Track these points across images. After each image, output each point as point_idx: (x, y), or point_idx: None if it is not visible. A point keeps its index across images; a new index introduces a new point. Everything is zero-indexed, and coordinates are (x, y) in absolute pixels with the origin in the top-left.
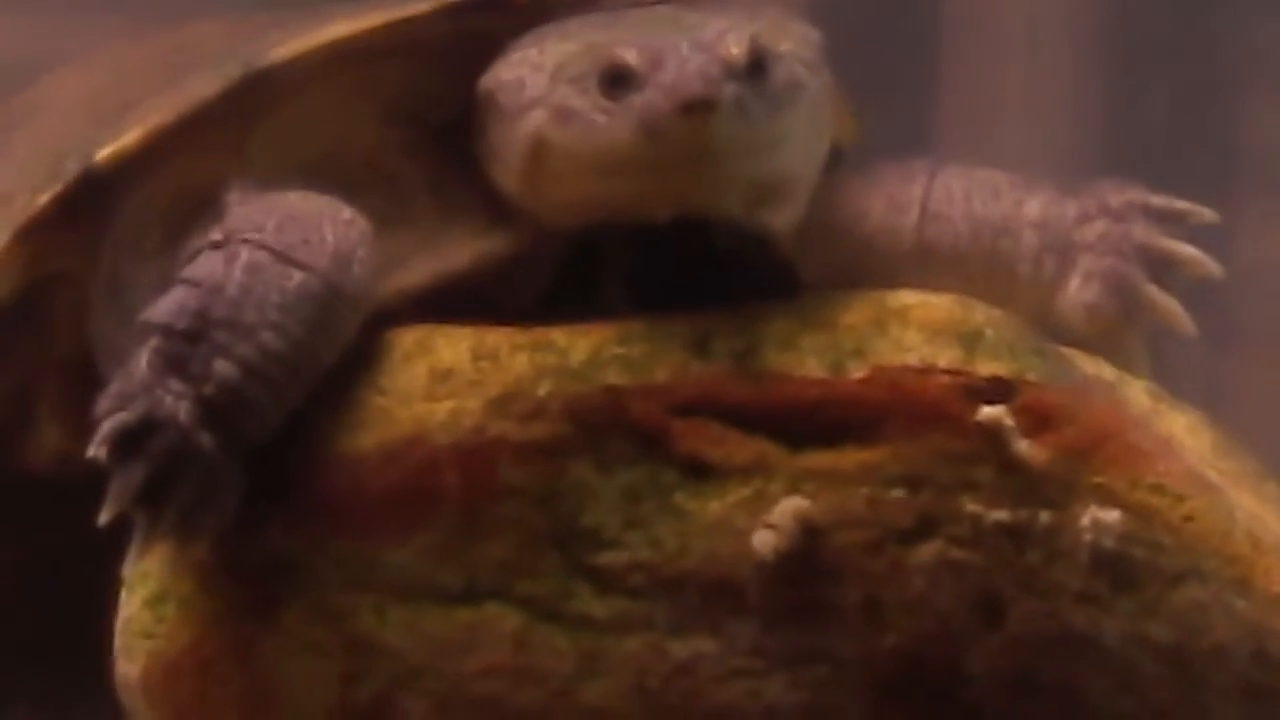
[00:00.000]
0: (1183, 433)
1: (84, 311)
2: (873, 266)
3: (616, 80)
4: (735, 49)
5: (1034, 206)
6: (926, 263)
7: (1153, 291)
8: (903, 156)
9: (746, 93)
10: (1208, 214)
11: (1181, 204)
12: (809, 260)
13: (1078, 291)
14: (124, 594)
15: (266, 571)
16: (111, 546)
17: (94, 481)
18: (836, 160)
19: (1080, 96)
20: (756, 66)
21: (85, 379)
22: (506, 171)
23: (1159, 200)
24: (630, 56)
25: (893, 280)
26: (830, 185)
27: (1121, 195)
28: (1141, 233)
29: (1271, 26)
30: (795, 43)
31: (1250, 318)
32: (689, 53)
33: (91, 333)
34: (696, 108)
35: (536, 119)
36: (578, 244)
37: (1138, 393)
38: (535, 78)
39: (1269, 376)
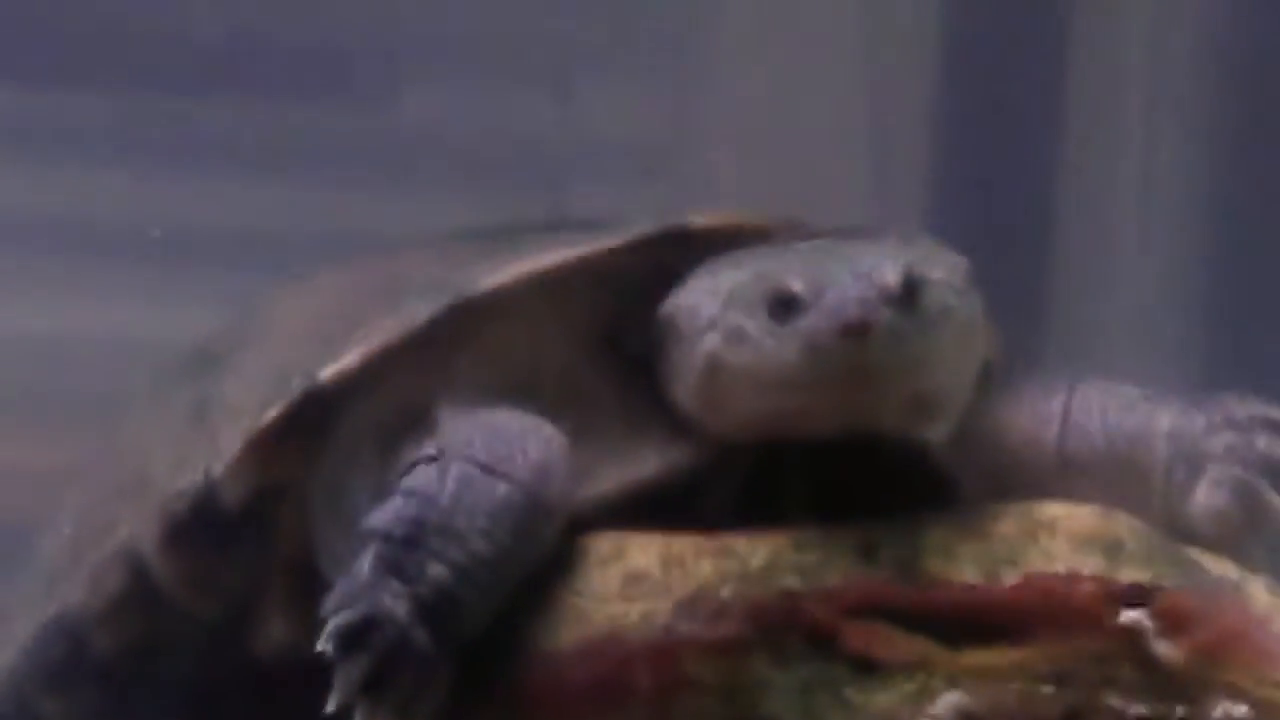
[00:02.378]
0: None
1: (306, 516)
2: (1020, 474)
3: (783, 306)
4: (891, 277)
5: (1165, 419)
6: (1068, 470)
7: (1275, 500)
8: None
9: (900, 317)
10: None
11: None
12: (963, 469)
13: (1206, 497)
14: None
15: None
16: None
17: (312, 666)
18: (987, 376)
19: (1190, 261)
20: (909, 293)
21: (308, 578)
22: (686, 389)
23: None
24: (796, 285)
25: (1038, 486)
26: (981, 400)
27: (1246, 409)
28: (1265, 444)
29: None
30: (946, 270)
31: None
32: (849, 281)
33: (313, 536)
34: (855, 331)
35: (711, 341)
36: (761, 457)
37: (1259, 590)
38: (710, 303)
39: None
